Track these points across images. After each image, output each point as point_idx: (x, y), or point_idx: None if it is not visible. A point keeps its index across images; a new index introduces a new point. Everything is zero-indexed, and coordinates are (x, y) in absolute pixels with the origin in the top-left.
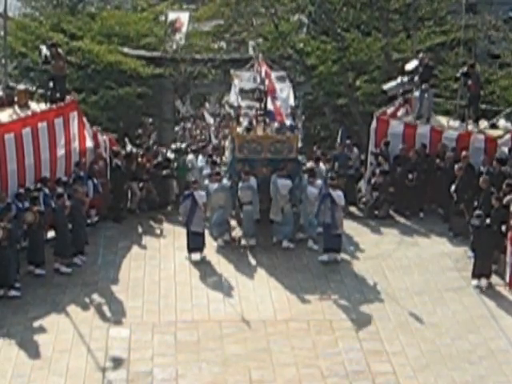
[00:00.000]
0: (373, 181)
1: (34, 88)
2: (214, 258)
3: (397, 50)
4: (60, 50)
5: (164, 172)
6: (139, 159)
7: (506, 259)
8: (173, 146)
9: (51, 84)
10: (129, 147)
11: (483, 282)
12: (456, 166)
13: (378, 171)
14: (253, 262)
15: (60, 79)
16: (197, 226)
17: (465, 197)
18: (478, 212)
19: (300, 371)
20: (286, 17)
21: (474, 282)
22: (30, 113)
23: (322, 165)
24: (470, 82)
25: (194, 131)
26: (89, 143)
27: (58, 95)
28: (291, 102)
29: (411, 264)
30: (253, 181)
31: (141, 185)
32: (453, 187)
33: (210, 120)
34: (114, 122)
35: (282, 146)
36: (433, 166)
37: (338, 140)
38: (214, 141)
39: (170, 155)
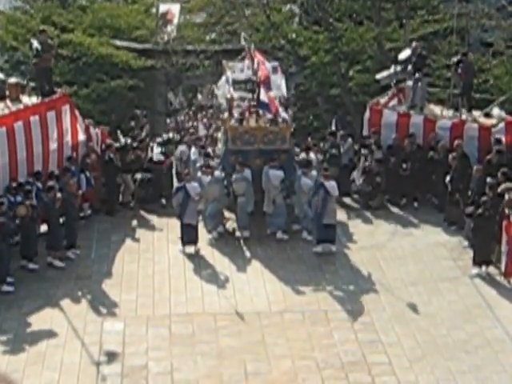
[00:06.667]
0: (366, 167)
1: (26, 81)
2: (208, 251)
3: (389, 39)
4: (50, 41)
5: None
6: (137, 152)
7: (500, 248)
8: (158, 140)
9: (38, 77)
10: (122, 140)
11: (484, 269)
12: (450, 156)
13: (370, 159)
14: (247, 254)
15: (45, 71)
16: (190, 218)
17: (459, 186)
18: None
19: (295, 363)
20: (278, 7)
21: (475, 270)
22: (21, 106)
23: (313, 155)
24: (459, 71)
25: (186, 123)
26: (81, 136)
27: (47, 88)
28: (284, 92)
29: (406, 254)
30: (247, 172)
31: (139, 175)
32: (448, 177)
33: (202, 132)
34: (106, 115)
35: (275, 136)
36: (426, 156)
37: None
38: (202, 132)
39: (157, 149)
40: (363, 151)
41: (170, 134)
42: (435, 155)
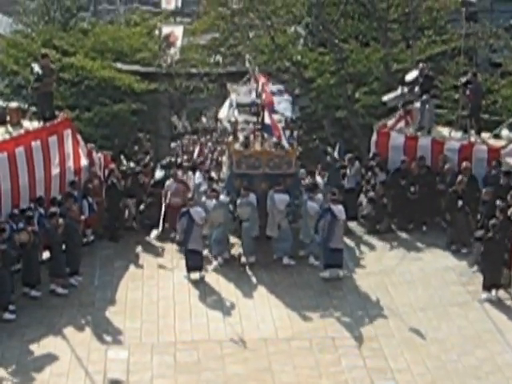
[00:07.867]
0: (370, 189)
1: (27, 106)
2: (213, 277)
3: (396, 60)
4: (52, 66)
5: None
6: (141, 177)
7: (511, 272)
8: (163, 162)
9: (39, 101)
10: (125, 164)
11: (494, 293)
12: (459, 178)
13: (374, 182)
14: (253, 279)
15: (46, 96)
16: (195, 244)
17: (467, 208)
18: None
19: None
20: (283, 29)
21: (485, 294)
22: (22, 131)
23: (319, 178)
24: (467, 92)
25: (191, 147)
26: (83, 161)
27: (48, 113)
28: (289, 114)
29: (415, 279)
30: (252, 197)
31: (142, 207)
32: (460, 202)
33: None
34: (108, 139)
35: (281, 160)
36: (435, 179)
37: (336, 154)
38: (196, 158)
39: (160, 173)
40: (369, 174)
41: (173, 158)
42: (440, 186)
